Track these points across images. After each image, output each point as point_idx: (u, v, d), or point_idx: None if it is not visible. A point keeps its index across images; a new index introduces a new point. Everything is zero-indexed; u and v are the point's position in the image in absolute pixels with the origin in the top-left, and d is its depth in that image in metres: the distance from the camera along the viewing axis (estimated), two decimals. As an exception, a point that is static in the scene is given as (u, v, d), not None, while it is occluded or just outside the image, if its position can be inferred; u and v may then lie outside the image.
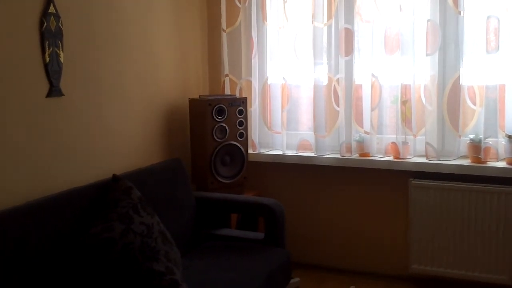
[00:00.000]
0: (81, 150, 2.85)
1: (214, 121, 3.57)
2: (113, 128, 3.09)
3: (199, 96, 3.77)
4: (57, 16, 2.64)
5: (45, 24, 2.57)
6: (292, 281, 3.46)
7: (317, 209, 3.93)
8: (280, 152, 3.91)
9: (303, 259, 3.89)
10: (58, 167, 2.70)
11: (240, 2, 3.88)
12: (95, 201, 2.57)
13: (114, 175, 2.72)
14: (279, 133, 3.91)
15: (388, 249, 3.77)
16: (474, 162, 3.40)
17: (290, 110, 3.94)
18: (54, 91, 2.64)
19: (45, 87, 2.60)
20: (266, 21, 3.87)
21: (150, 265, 2.42)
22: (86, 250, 2.33)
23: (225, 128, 3.63)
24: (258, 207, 3.28)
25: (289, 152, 3.88)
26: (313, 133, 3.81)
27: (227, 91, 3.98)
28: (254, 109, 3.92)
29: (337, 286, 3.68)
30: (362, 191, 3.80)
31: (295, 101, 3.95)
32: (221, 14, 3.91)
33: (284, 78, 3.85)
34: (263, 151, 3.97)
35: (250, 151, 3.91)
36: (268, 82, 3.94)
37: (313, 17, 3.67)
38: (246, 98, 3.80)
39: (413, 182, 3.52)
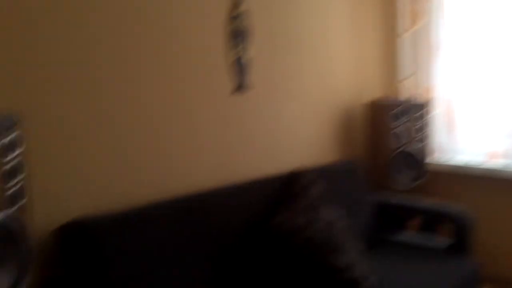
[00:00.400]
0: (261, 144, 2.90)
1: (392, 126, 3.43)
2: (291, 125, 3.10)
3: (377, 99, 3.65)
4: (245, 15, 2.72)
5: (234, 23, 2.67)
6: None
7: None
8: (464, 161, 3.63)
9: (495, 272, 3.52)
10: (240, 158, 2.78)
11: (418, 3, 3.72)
12: (277, 192, 2.59)
13: (294, 170, 2.71)
14: (465, 140, 3.64)
15: None
16: None
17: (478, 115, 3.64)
18: (239, 88, 2.72)
19: (231, 84, 2.69)
20: (446, 20, 3.66)
21: (333, 259, 2.34)
22: (270, 239, 2.33)
23: (404, 133, 3.47)
24: (442, 214, 3.08)
25: (475, 161, 3.58)
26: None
27: (405, 94, 3.81)
28: (436, 114, 3.70)
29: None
30: None
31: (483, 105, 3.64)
32: (398, 16, 3.78)
33: (469, 82, 3.59)
34: (445, 158, 3.72)
35: (430, 158, 3.68)
36: (452, 85, 3.70)
37: None
38: (428, 102, 3.59)
39: None
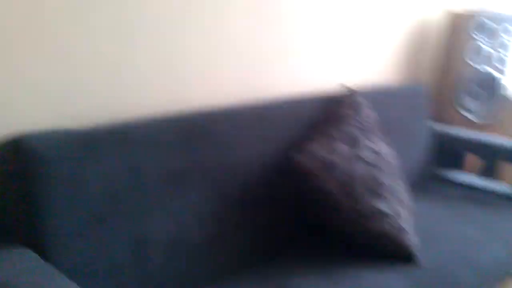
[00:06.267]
0: (306, 53, 2.27)
1: (471, 41, 2.72)
2: (346, 34, 2.44)
3: (460, 8, 2.88)
4: None
5: None
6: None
7: None
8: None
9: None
10: (276, 69, 2.15)
11: None
12: (319, 113, 2.03)
13: (344, 86, 2.13)
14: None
15: None
16: None
17: None
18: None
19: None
20: None
21: (374, 203, 1.83)
22: (299, 170, 1.81)
23: (485, 51, 2.74)
24: (508, 153, 2.44)
25: None
26: None
27: (497, 4, 3.03)
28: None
29: None
30: None
31: None
32: None
33: None
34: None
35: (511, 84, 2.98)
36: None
37: None
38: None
39: None
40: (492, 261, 1.94)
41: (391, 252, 1.80)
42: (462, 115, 2.82)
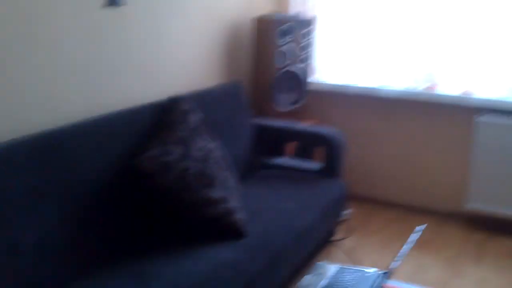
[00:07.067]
0: (138, 66, 2.56)
1: (278, 44, 3.19)
2: (172, 45, 2.78)
3: (264, 15, 3.33)
4: None
5: None
6: (344, 212, 3.21)
7: (377, 142, 3.61)
8: (343, 81, 3.54)
9: (356, 190, 3.61)
10: (114, 85, 2.43)
11: None
12: (151, 122, 2.33)
13: (171, 96, 2.45)
14: (346, 60, 3.52)
15: (445, 186, 3.46)
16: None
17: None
18: (112, 0, 2.33)
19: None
20: None
21: (206, 192, 2.18)
22: (141, 174, 2.09)
23: (288, 52, 3.25)
24: (317, 137, 2.98)
25: (354, 81, 3.51)
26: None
27: (295, 9, 3.55)
28: (321, 32, 3.50)
29: (388, 219, 3.42)
30: (427, 126, 3.45)
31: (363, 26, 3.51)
32: None
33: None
34: (326, 78, 3.60)
35: (312, 78, 3.54)
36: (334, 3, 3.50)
37: None
38: (315, 17, 3.35)
39: (479, 118, 3.14)
40: (306, 226, 2.41)
41: (224, 231, 2.17)
42: (277, 107, 3.30)
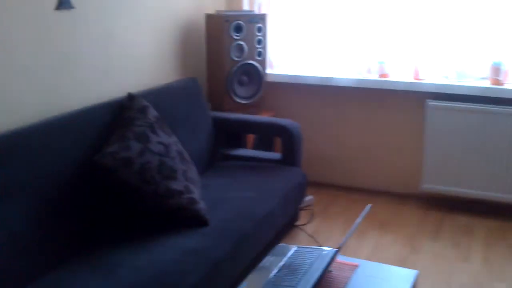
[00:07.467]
0: (93, 67, 2.59)
1: (231, 39, 3.27)
2: (126, 44, 2.81)
3: (216, 11, 3.42)
4: None
5: None
6: (306, 199, 3.31)
7: (334, 130, 3.72)
8: (298, 72, 3.64)
9: (317, 178, 3.72)
10: (69, 85, 2.45)
11: None
12: (109, 120, 2.37)
13: (129, 94, 2.49)
14: (299, 52, 3.61)
15: (401, 169, 3.60)
16: (494, 84, 3.14)
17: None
18: (64, 2, 2.35)
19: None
20: None
21: (168, 184, 2.24)
22: (102, 170, 2.13)
23: (243, 47, 3.33)
24: (275, 128, 3.07)
25: (308, 72, 3.61)
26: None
27: (246, 6, 3.63)
28: (274, 26, 3.59)
29: (348, 203, 3.54)
30: (381, 113, 3.57)
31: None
32: None
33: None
34: (281, 70, 3.70)
35: (268, 70, 3.63)
36: None
37: None
38: (266, 14, 3.46)
39: (430, 103, 3.28)
40: (266, 213, 2.48)
41: (188, 220, 2.23)
42: (235, 101, 3.37)
